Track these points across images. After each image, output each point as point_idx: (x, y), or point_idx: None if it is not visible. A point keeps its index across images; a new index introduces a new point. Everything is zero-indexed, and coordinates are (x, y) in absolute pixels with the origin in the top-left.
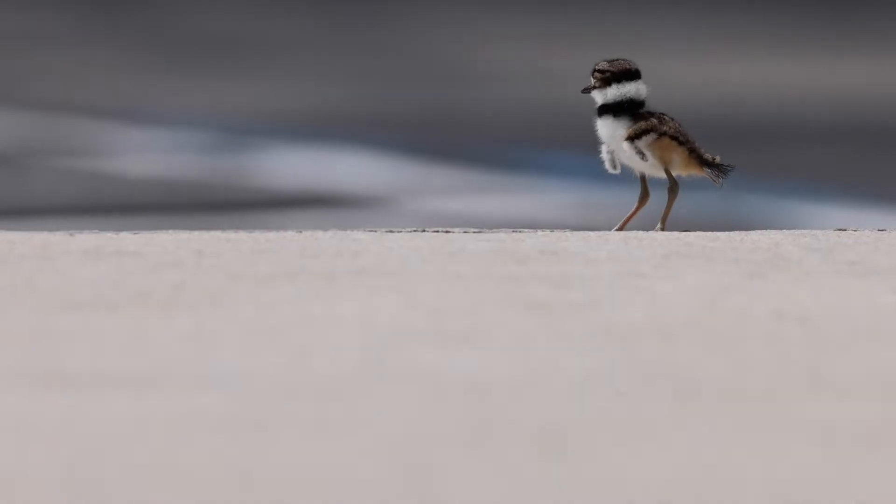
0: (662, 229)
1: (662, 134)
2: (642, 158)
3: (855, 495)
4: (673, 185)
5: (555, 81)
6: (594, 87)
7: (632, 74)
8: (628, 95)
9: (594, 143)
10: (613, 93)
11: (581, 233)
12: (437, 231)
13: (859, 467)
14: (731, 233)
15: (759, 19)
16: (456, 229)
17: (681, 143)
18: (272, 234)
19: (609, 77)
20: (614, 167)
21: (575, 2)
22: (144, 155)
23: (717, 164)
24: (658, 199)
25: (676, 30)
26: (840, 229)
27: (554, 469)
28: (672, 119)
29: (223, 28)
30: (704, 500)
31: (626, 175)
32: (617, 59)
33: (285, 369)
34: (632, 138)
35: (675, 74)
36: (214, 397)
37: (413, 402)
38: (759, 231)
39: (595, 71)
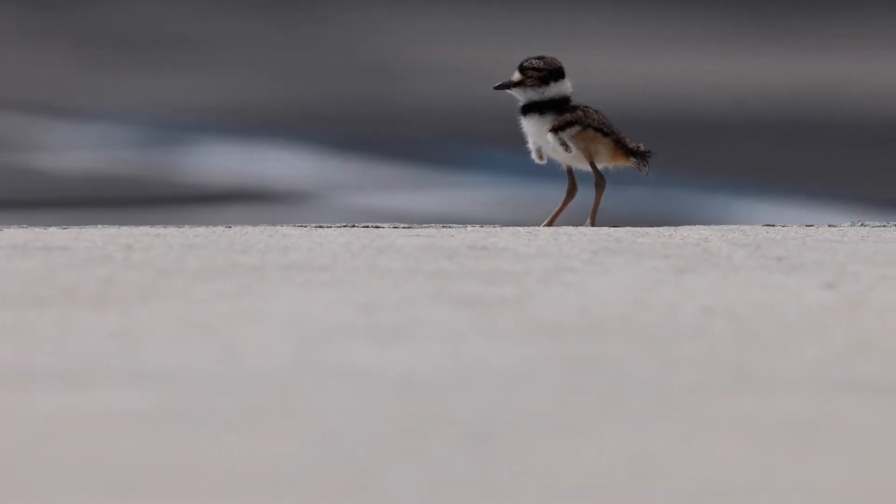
0: (592, 225)
1: (587, 126)
2: (566, 150)
3: (782, 489)
4: (599, 180)
5: (483, 78)
6: (526, 85)
7: (562, 72)
8: (565, 92)
9: (522, 138)
10: (554, 90)
11: (510, 228)
12: (367, 226)
13: (786, 461)
14: (660, 228)
15: (685, 16)
16: (385, 225)
17: (605, 135)
18: (201, 229)
19: (546, 76)
20: (540, 157)
21: None
22: (73, 150)
23: (641, 152)
24: (586, 194)
25: (604, 26)
26: (768, 225)
27: (483, 464)
28: (596, 111)
29: (153, 24)
30: (633, 494)
31: (554, 171)
32: (545, 57)
33: (216, 365)
34: (556, 129)
35: (602, 71)
36: (144, 393)
37: (344, 397)
38: (687, 226)
39: (529, 69)
